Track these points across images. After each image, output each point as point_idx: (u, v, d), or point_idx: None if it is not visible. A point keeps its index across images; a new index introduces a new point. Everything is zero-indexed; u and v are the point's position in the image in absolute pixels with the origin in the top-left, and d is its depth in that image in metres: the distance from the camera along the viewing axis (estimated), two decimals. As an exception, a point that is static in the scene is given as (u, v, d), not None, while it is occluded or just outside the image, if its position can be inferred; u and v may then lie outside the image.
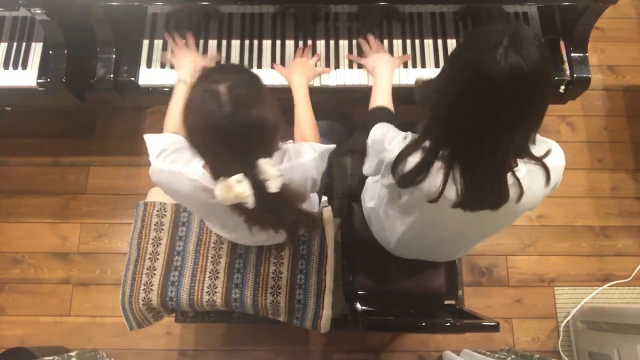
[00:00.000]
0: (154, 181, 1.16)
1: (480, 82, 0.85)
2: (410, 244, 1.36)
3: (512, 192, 1.00)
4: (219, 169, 0.99)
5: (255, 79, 1.01)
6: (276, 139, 1.03)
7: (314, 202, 1.46)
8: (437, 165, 1.00)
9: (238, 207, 1.03)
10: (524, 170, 0.99)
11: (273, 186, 0.98)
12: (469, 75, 0.88)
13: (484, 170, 0.97)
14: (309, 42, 1.60)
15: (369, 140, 1.20)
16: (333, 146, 1.26)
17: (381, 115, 1.32)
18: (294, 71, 1.52)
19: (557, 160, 1.04)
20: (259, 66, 1.58)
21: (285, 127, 1.07)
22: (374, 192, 1.40)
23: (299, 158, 1.12)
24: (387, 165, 1.09)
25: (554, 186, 1.07)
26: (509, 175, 0.98)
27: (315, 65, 1.56)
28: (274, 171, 0.98)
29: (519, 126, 0.91)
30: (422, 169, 1.01)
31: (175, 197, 1.22)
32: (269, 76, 1.57)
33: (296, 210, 1.11)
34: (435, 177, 1.01)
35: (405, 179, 1.03)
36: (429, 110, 1.01)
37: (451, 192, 1.00)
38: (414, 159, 1.02)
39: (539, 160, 1.00)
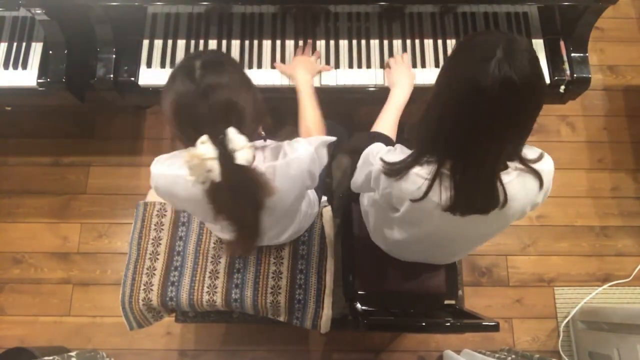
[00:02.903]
0: (154, 188, 1.16)
1: (472, 94, 0.86)
2: (405, 249, 1.38)
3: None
4: (191, 142, 0.97)
5: (233, 62, 1.03)
6: (247, 117, 1.00)
7: (314, 201, 1.46)
8: (421, 168, 1.02)
9: (210, 193, 1.00)
10: (513, 174, 0.99)
11: (241, 157, 0.95)
12: (461, 86, 0.88)
13: (473, 176, 0.97)
14: (309, 40, 1.60)
15: (361, 159, 1.23)
16: (331, 138, 1.25)
17: (380, 140, 1.30)
18: (297, 68, 1.51)
19: (548, 165, 1.05)
20: (259, 66, 1.58)
21: (265, 114, 1.08)
22: (370, 199, 1.40)
23: (295, 153, 1.11)
24: (375, 180, 1.11)
25: (546, 192, 1.07)
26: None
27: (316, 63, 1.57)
28: (243, 141, 0.95)
29: (509, 135, 0.92)
30: (405, 168, 1.03)
31: (174, 201, 1.21)
32: (269, 77, 1.57)
33: (257, 215, 1.07)
34: (415, 178, 1.02)
35: (390, 170, 1.06)
36: (421, 120, 1.02)
37: (436, 196, 1.01)
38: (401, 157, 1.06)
39: (529, 167, 1.00)
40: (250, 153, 0.96)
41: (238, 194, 1.01)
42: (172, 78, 0.98)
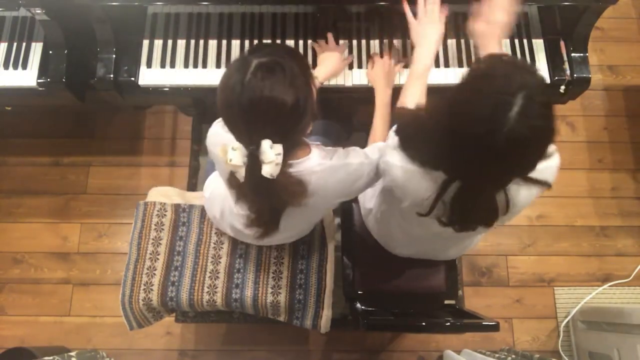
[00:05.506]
0: (207, 143, 1.19)
1: (486, 137, 0.83)
2: (408, 243, 1.38)
3: (499, 200, 0.98)
4: (236, 136, 1.00)
5: (294, 62, 0.98)
6: (290, 125, 0.98)
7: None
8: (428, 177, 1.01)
9: (233, 178, 1.03)
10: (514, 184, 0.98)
11: (266, 170, 0.96)
12: (476, 126, 0.84)
13: (473, 197, 0.97)
14: (393, 42, 1.57)
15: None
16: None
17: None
18: (381, 81, 1.47)
19: (555, 161, 1.03)
20: (259, 66, 1.58)
21: (316, 114, 1.06)
22: (372, 195, 1.40)
23: (347, 159, 1.12)
24: (385, 168, 1.11)
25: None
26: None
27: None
28: (272, 156, 0.95)
29: (518, 171, 0.92)
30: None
31: (218, 164, 1.20)
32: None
33: (277, 215, 1.10)
34: (428, 184, 1.02)
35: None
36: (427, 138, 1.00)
37: (439, 212, 1.02)
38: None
39: (529, 179, 0.97)
40: (275, 169, 0.97)
41: (260, 196, 1.05)
42: (228, 73, 0.97)
